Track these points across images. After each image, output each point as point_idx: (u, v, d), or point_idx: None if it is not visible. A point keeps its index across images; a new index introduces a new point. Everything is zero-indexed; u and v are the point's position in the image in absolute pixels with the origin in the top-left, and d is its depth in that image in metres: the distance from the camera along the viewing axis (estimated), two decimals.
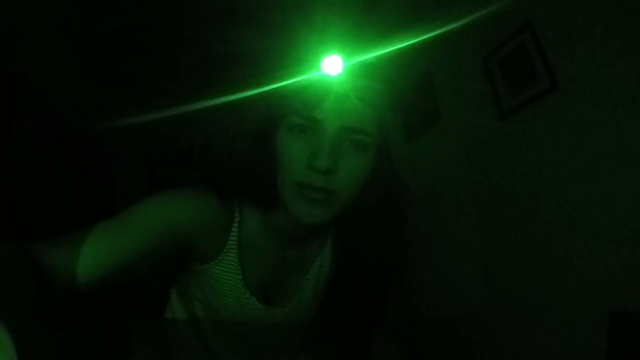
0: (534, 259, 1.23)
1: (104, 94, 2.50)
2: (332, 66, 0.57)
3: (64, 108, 1.99)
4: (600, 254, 1.04)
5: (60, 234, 0.52)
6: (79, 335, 1.32)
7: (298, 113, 0.57)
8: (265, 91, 0.58)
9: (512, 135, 1.37)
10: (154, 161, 2.71)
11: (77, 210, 2.11)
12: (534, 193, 1.26)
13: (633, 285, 0.95)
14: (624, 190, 1.00)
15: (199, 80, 2.58)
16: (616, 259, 1.00)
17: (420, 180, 1.81)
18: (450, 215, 1.65)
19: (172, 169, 2.70)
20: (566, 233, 1.13)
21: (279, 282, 0.72)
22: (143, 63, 2.45)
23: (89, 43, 2.24)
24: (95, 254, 0.50)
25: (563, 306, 1.11)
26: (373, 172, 0.62)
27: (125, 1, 2.03)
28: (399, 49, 0.58)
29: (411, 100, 1.94)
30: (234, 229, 0.66)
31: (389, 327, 0.80)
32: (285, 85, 0.57)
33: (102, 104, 2.45)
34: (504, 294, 1.33)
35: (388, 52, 0.57)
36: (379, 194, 0.65)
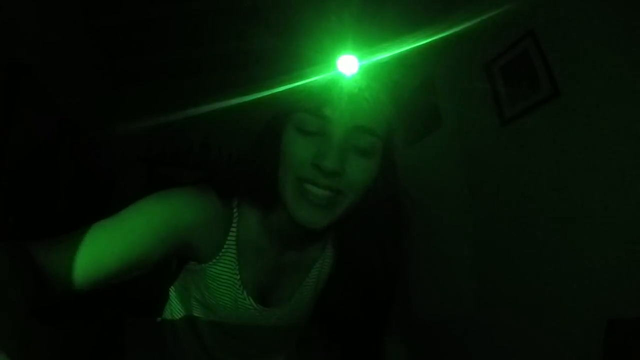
0: (532, 265, 1.23)
1: (104, 90, 2.49)
2: (347, 66, 0.56)
3: (63, 103, 1.98)
4: (598, 261, 1.04)
5: (57, 229, 0.51)
6: (74, 333, 1.30)
7: (308, 110, 0.56)
8: (277, 89, 0.57)
9: (513, 142, 1.38)
10: (152, 159, 2.69)
11: (74, 206, 2.10)
12: (533, 199, 1.26)
13: (630, 292, 0.95)
14: (624, 198, 1.00)
15: (209, 78, 2.58)
16: (613, 266, 1.00)
17: (420, 184, 1.81)
18: (449, 219, 1.66)
19: (170, 166, 2.68)
20: (564, 239, 1.14)
21: (277, 283, 0.71)
22: (146, 60, 2.44)
23: (91, 39, 2.23)
24: (94, 254, 0.49)
25: (559, 310, 1.12)
26: (377, 177, 0.61)
27: None
28: (410, 50, 0.58)
29: (413, 104, 1.94)
30: (232, 229, 0.65)
31: (393, 329, 0.80)
32: (298, 83, 0.56)
33: (102, 100, 2.44)
34: (502, 298, 1.33)
35: (401, 54, 0.57)
36: (382, 198, 0.64)
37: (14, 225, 1.61)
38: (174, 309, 0.76)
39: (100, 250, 0.50)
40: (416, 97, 1.94)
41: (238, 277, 0.66)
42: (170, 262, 0.74)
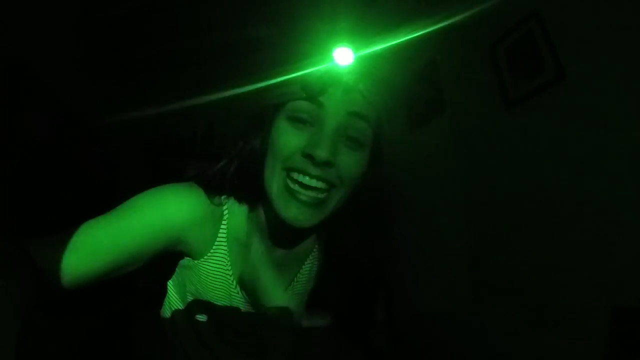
0: (536, 254, 1.21)
1: (106, 82, 2.48)
2: (342, 57, 0.57)
3: (65, 97, 1.98)
4: (603, 250, 1.02)
5: (61, 224, 0.52)
6: (82, 326, 1.33)
7: (305, 98, 0.57)
8: (277, 79, 0.58)
9: (517, 125, 1.35)
10: (156, 150, 2.70)
11: (78, 199, 2.11)
12: (537, 185, 1.24)
13: (635, 283, 0.94)
14: (631, 185, 0.98)
15: (206, 69, 2.57)
16: (620, 256, 0.98)
17: (423, 169, 1.80)
18: (452, 206, 1.65)
19: (175, 157, 2.69)
20: (568, 227, 1.12)
21: (270, 278, 0.72)
22: (147, 51, 2.43)
23: (91, 31, 2.21)
24: (89, 250, 0.51)
25: (562, 301, 1.11)
26: (365, 173, 0.62)
27: None
28: (408, 40, 0.57)
29: (415, 88, 1.92)
30: (222, 226, 0.66)
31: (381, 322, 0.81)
32: (294, 73, 0.57)
33: (105, 92, 2.43)
34: (502, 288, 1.32)
35: (397, 44, 0.56)
36: (370, 192, 0.65)
37: (16, 222, 1.63)
38: (172, 302, 0.78)
39: (95, 247, 0.51)
40: (418, 80, 1.91)
41: (230, 272, 0.67)
42: (166, 257, 0.75)
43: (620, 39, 1.03)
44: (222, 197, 0.67)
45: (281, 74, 0.58)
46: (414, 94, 1.92)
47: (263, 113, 0.63)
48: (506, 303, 1.29)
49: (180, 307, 0.76)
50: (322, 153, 0.53)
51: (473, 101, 1.59)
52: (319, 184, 0.56)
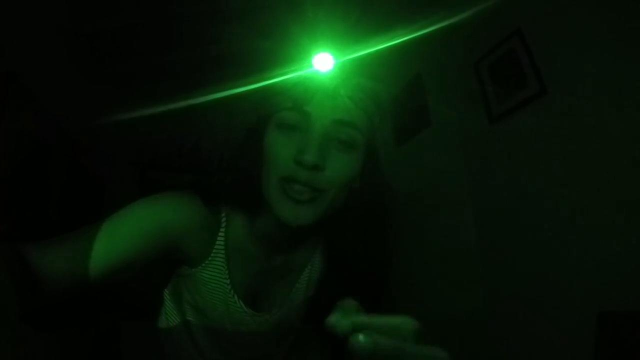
0: (521, 263, 1.24)
1: (94, 94, 2.47)
2: (322, 63, 0.58)
3: (54, 109, 1.96)
4: (586, 257, 1.05)
5: (49, 235, 0.51)
6: (70, 339, 1.30)
7: (289, 108, 0.57)
8: (256, 89, 0.58)
9: (502, 139, 1.39)
10: (143, 163, 2.68)
11: (66, 212, 2.08)
12: (522, 197, 1.27)
13: (622, 287, 0.96)
14: (613, 195, 1.02)
15: (189, 80, 2.57)
16: (603, 261, 1.01)
17: (411, 183, 1.82)
18: (442, 218, 1.66)
19: (162, 170, 2.67)
20: (554, 236, 1.15)
21: (268, 288, 0.72)
22: (134, 64, 2.44)
23: (79, 43, 2.21)
24: (87, 255, 0.50)
25: (555, 307, 1.12)
26: (361, 174, 0.62)
27: (116, 2, 2.02)
28: (389, 47, 0.58)
29: (402, 103, 1.95)
30: (220, 234, 0.66)
31: None
32: (276, 82, 0.57)
33: (92, 104, 2.42)
34: (496, 297, 1.33)
35: (378, 50, 0.57)
36: (367, 197, 0.65)
37: (5, 231, 1.60)
38: (169, 312, 0.77)
39: (90, 253, 0.51)
40: (404, 96, 1.95)
41: (228, 281, 0.67)
42: (163, 265, 0.74)
43: (599, 56, 1.07)
44: (221, 206, 0.67)
45: (262, 82, 0.59)
46: (401, 109, 1.95)
47: (255, 124, 0.64)
48: (508, 308, 1.30)
49: (176, 317, 0.75)
50: (309, 158, 0.54)
51: (458, 116, 1.62)
52: (308, 190, 0.57)
